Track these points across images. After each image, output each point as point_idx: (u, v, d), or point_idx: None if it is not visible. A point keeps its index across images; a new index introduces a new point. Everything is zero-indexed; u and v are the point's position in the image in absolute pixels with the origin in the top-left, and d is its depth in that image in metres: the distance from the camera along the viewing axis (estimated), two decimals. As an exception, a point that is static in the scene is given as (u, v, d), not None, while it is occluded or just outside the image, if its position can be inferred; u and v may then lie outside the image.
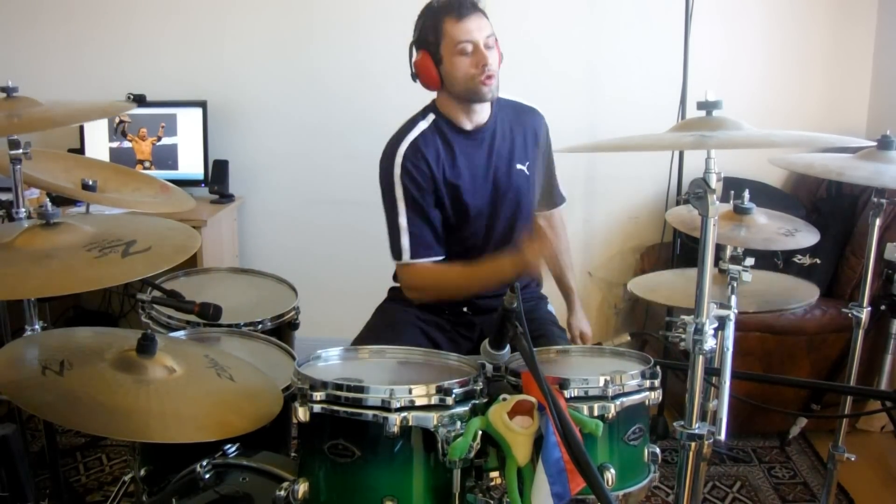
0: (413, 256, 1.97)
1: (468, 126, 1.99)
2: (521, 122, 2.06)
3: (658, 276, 2.07)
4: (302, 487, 1.23)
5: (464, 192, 1.99)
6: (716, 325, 1.26)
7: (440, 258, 1.99)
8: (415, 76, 1.98)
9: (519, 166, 2.04)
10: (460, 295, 2.03)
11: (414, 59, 1.97)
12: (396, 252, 1.99)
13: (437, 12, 1.91)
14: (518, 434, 1.19)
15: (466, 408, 1.24)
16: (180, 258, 1.29)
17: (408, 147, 1.97)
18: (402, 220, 1.96)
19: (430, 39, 1.91)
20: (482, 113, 1.99)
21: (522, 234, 1.96)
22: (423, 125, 2.00)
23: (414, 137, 1.98)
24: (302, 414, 1.22)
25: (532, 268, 1.86)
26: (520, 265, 1.84)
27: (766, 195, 2.76)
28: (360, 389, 1.20)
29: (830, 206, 2.88)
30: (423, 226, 1.97)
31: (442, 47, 1.89)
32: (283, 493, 1.23)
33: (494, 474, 1.28)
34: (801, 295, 1.82)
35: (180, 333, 1.73)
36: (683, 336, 1.25)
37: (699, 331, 1.23)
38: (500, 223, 2.04)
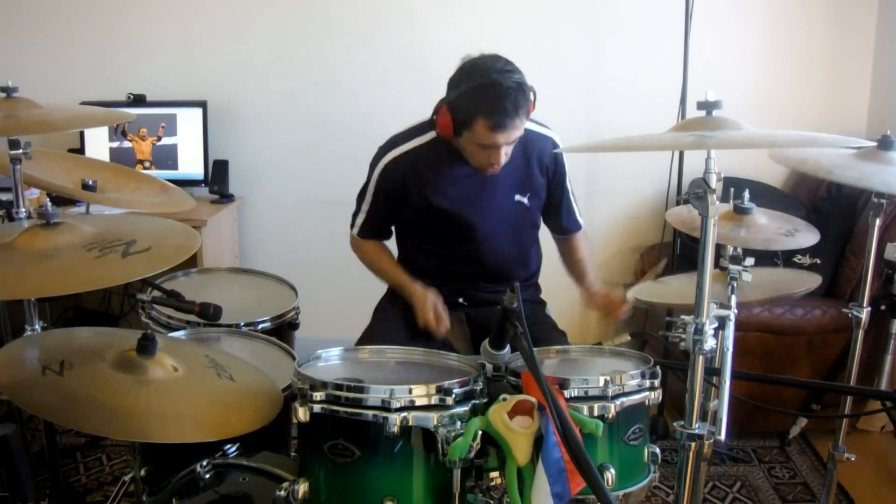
0: (358, 234, 2.14)
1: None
2: (526, 151, 1.98)
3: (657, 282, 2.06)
4: (302, 487, 1.23)
5: (450, 215, 1.98)
6: (716, 325, 1.26)
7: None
8: (433, 122, 1.89)
9: (518, 197, 2.01)
10: (383, 280, 2.18)
11: (438, 110, 1.86)
12: (352, 223, 2.15)
13: (476, 103, 1.76)
14: (518, 434, 1.19)
15: (466, 408, 1.24)
16: (180, 258, 1.30)
17: (394, 157, 1.98)
18: (365, 206, 2.09)
19: (459, 117, 1.81)
20: None
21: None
22: (419, 141, 1.97)
23: (404, 151, 1.97)
24: (302, 414, 1.22)
25: (418, 317, 1.98)
26: (414, 305, 2.01)
27: (766, 195, 2.76)
28: (360, 389, 1.21)
29: (830, 206, 2.88)
30: (379, 219, 2.10)
31: (465, 133, 1.82)
32: (283, 493, 1.24)
33: (494, 474, 1.28)
34: (803, 282, 1.81)
35: (180, 333, 1.73)
36: (683, 336, 1.25)
37: (699, 331, 1.23)
38: (495, 250, 2.03)
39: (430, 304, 1.97)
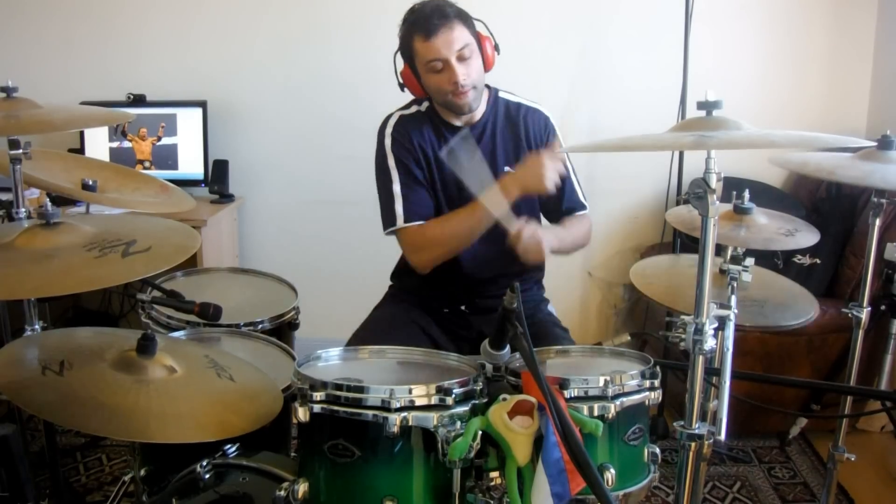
0: (407, 220, 1.92)
1: (458, 123, 2.00)
2: (515, 123, 2.03)
3: (656, 262, 2.06)
4: (302, 487, 1.23)
5: (446, 183, 1.99)
6: (716, 325, 1.26)
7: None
8: (402, 86, 2.00)
9: (506, 168, 2.01)
10: (467, 240, 1.90)
11: (400, 70, 1.98)
12: (390, 219, 1.94)
13: (408, 29, 1.89)
14: (518, 434, 1.19)
15: (466, 408, 1.24)
16: (180, 258, 1.30)
17: (397, 120, 2.00)
18: (396, 187, 1.95)
19: (406, 54, 1.93)
20: (475, 111, 1.99)
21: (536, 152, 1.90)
22: (416, 108, 2.03)
23: (404, 114, 2.02)
24: (302, 414, 1.22)
25: (538, 180, 1.77)
26: (527, 177, 1.80)
27: (766, 195, 2.76)
28: (360, 389, 1.20)
29: (830, 206, 2.88)
30: (418, 189, 1.96)
31: (416, 64, 1.90)
32: (283, 493, 1.23)
33: (494, 474, 1.28)
34: (798, 310, 1.79)
35: (180, 333, 1.73)
36: (683, 336, 1.25)
37: (699, 331, 1.23)
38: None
39: (537, 160, 1.80)
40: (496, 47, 1.97)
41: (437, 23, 1.82)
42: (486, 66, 1.94)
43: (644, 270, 1.92)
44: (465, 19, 1.88)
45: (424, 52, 1.85)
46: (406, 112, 2.02)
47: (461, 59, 1.85)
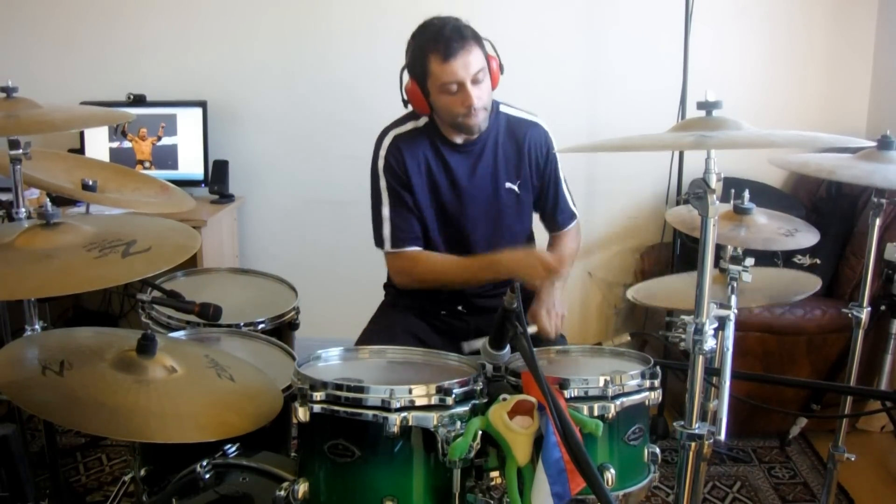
0: (394, 246, 1.98)
1: (458, 140, 1.99)
2: (515, 139, 2.02)
3: (658, 282, 2.06)
4: (302, 487, 1.23)
5: (445, 202, 1.99)
6: (716, 325, 1.26)
7: (420, 248, 1.99)
8: (406, 102, 1.96)
9: (508, 185, 2.01)
10: (448, 286, 1.99)
11: (405, 85, 1.95)
12: (378, 241, 2.01)
13: (424, 46, 1.85)
14: (518, 434, 1.20)
15: (466, 408, 1.24)
16: (180, 258, 1.29)
17: (391, 142, 1.98)
18: (385, 210, 1.98)
19: (417, 71, 1.89)
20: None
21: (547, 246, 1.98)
22: (413, 124, 2.00)
23: (399, 133, 1.99)
24: (302, 414, 1.22)
25: (529, 277, 1.82)
26: (519, 269, 1.84)
27: (766, 195, 2.76)
28: (360, 389, 1.21)
29: (830, 206, 2.88)
30: (406, 216, 1.98)
31: (428, 83, 1.87)
32: (283, 493, 1.24)
33: (494, 474, 1.28)
34: (803, 286, 1.81)
35: (180, 333, 1.73)
36: (683, 336, 1.25)
37: (699, 331, 1.23)
38: (489, 240, 2.02)
39: (537, 260, 1.84)
40: (500, 67, 1.95)
41: (457, 45, 1.81)
42: (493, 85, 1.93)
43: (640, 290, 1.92)
44: (479, 41, 1.87)
45: (441, 73, 1.82)
46: (401, 130, 2.00)
47: (475, 82, 1.84)
